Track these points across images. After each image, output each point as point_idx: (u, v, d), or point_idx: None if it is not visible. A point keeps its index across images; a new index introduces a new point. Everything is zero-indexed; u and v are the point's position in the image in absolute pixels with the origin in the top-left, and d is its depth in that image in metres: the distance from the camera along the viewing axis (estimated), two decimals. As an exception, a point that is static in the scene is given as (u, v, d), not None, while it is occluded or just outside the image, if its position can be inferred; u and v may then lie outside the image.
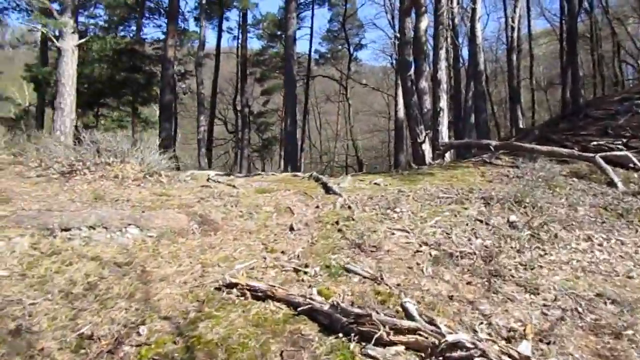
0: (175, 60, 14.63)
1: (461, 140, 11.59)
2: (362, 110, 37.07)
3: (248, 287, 3.96)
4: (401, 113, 22.72)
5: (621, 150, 10.97)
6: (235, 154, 29.21)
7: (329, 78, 32.67)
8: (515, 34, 25.85)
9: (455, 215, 6.28)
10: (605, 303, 4.17)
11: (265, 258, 4.70)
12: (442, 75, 11.57)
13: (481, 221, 6.08)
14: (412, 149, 11.33)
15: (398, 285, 4.16)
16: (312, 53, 32.15)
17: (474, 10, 16.10)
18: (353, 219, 5.77)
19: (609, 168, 8.76)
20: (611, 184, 8.49)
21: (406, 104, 11.24)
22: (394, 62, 34.97)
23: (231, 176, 8.12)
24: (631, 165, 9.53)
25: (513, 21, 25.40)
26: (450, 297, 4.01)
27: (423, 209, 6.49)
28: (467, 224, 5.95)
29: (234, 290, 3.98)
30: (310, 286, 4.11)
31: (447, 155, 11.48)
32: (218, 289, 4.06)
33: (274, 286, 3.96)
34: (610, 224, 6.54)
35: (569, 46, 17.83)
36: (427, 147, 10.92)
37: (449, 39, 13.85)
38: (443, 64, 11.68)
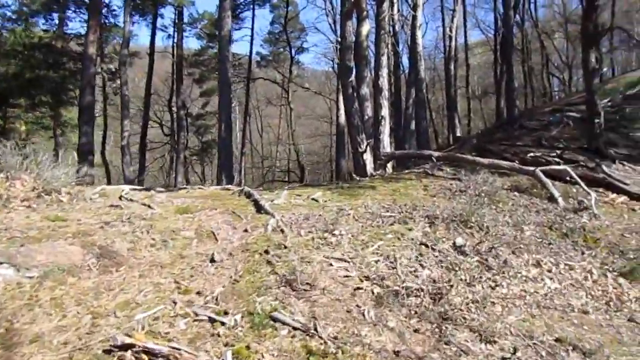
0: (97, 57, 13.24)
1: (403, 151, 11.11)
2: (304, 115, 36.46)
3: (145, 350, 3.08)
4: (342, 118, 22.22)
5: (557, 162, 10.91)
6: (171, 158, 27.65)
7: (270, 81, 31.72)
8: (453, 44, 26.14)
9: (399, 239, 5.65)
10: (567, 351, 3.63)
11: (175, 302, 3.80)
12: (384, 82, 11.05)
13: (427, 245, 5.48)
14: (354, 159, 10.72)
15: (335, 338, 3.41)
16: (254, 55, 31.14)
17: (414, 17, 15.82)
18: (285, 247, 4.98)
19: (549, 182, 8.54)
20: (552, 199, 8.25)
21: (347, 112, 10.63)
22: (336, 66, 34.62)
23: (150, 192, 7.08)
24: (568, 178, 9.41)
25: (451, 31, 25.65)
26: (396, 353, 3.31)
27: (364, 230, 5.82)
28: (412, 249, 5.33)
29: (128, 354, 3.08)
30: (226, 344, 3.27)
31: (389, 164, 10.96)
32: (107, 351, 3.13)
33: (179, 349, 3.10)
34: (557, 245, 6.17)
35: (503, 57, 17.99)
36: (368, 157, 10.34)
37: (389, 46, 13.39)
38: (385, 71, 11.17)
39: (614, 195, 9.05)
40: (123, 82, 11.94)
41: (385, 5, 11.42)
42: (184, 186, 7.89)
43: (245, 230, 5.53)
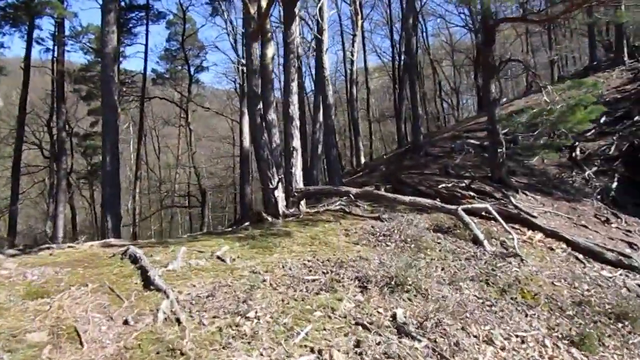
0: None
1: (318, 187, 10.03)
2: (206, 135, 34.35)
3: None
4: (247, 142, 20.82)
5: (472, 196, 10.55)
6: (51, 184, 24.14)
7: (167, 100, 29.34)
8: (355, 67, 26.03)
9: (330, 317, 4.46)
10: None
11: None
12: (295, 110, 9.94)
13: (365, 327, 4.33)
14: (264, 196, 9.42)
15: None
16: (149, 72, 28.61)
17: (321, 41, 15.03)
18: (182, 352, 3.53)
19: (472, 223, 7.93)
20: (476, 241, 7.65)
21: (256, 143, 9.31)
22: (238, 87, 33.14)
23: (-3, 257, 5.19)
24: (484, 213, 8.98)
25: (352, 55, 25.49)
26: None
27: (286, 307, 4.53)
28: (347, 335, 4.15)
29: None
30: None
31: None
32: None
33: None
34: (499, 307, 5.37)
35: (406, 83, 17.91)
36: (280, 194, 9.09)
37: (297, 71, 12.39)
38: (295, 98, 10.06)
39: (530, 232, 8.71)
40: None
41: (294, 27, 10.36)
42: (48, 245, 5.99)
43: (126, 322, 3.96)
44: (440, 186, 11.41)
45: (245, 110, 21.01)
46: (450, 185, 11.64)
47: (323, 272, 5.55)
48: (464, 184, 11.68)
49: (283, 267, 5.61)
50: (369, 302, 4.89)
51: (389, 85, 40.67)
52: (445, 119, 34.15)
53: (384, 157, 21.80)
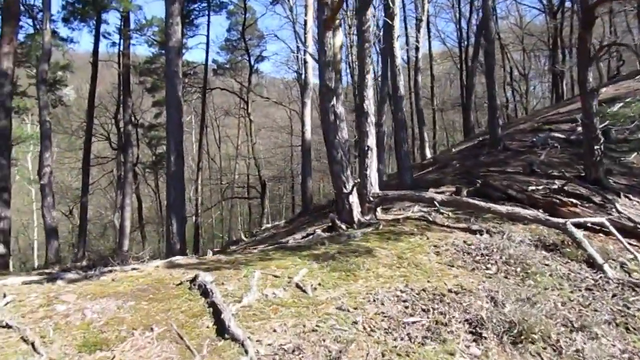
0: (13, 71, 10.37)
1: (397, 192, 8.96)
2: (265, 126, 33.89)
3: None
4: (308, 134, 20.01)
5: (572, 202, 9.11)
6: (119, 177, 24.56)
7: (228, 91, 29.08)
8: (420, 54, 24.53)
9: (445, 383, 3.48)
10: None
11: None
12: (370, 105, 8.91)
13: (494, 402, 3.33)
14: (336, 201, 8.51)
15: None
16: (210, 63, 28.42)
17: (391, 27, 13.79)
18: None
19: (585, 241, 6.62)
20: (592, 263, 6.37)
21: (329, 144, 8.39)
22: (298, 76, 32.44)
23: (55, 284, 4.61)
24: (597, 227, 7.61)
25: (418, 41, 23.98)
26: None
27: (388, 365, 3.60)
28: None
29: None
30: None
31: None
32: None
33: None
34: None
35: (486, 68, 16.34)
36: (354, 200, 8.16)
37: (374, 62, 11.29)
38: (370, 92, 9.02)
39: (653, 250, 7.25)
40: (42, 106, 9.18)
41: (369, 14, 9.29)
42: (110, 268, 5.38)
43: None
44: (530, 188, 10.04)
45: (307, 101, 20.19)
46: (540, 187, 10.24)
47: (423, 310, 4.57)
48: (555, 186, 10.25)
49: (374, 300, 4.68)
50: (488, 359, 3.87)
51: (451, 72, 38.54)
52: (516, 107, 31.79)
53: (452, 150, 20.27)
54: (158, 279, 4.97)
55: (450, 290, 5.06)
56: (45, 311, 4.00)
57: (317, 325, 4.10)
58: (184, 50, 25.30)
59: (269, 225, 22.55)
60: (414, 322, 4.31)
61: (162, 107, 29.56)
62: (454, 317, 4.43)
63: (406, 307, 4.62)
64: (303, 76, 20.55)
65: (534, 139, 15.06)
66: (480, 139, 18.69)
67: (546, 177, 11.69)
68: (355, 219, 8.10)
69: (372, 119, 8.99)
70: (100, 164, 27.91)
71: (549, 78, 31.49)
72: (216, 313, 4.08)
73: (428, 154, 22.94)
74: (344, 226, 8.07)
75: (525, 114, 27.97)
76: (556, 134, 15.17)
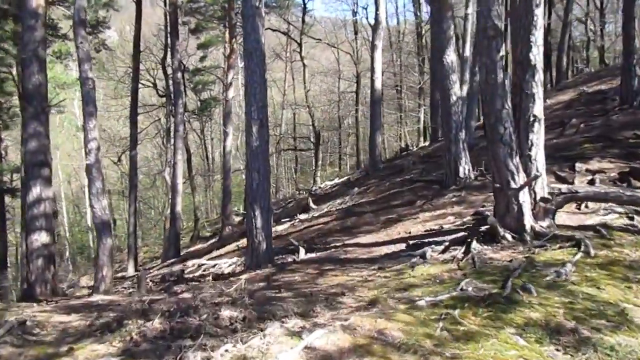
0: (46, 11, 7.78)
1: (600, 189, 6.12)
2: (319, 71, 30.57)
3: None
4: (379, 82, 16.99)
5: None
6: (167, 129, 22.37)
7: (280, 32, 25.80)
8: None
9: None
10: None
11: None
12: (538, 54, 5.95)
13: None
14: (496, 201, 5.81)
15: None
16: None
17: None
18: None
19: None
20: None
21: (493, 114, 5.58)
22: (354, 14, 28.80)
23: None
24: None
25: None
26: None
27: None
28: None
29: None
30: None
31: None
32: None
33: None
34: None
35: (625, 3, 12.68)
36: (526, 200, 5.46)
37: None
38: (539, 35, 6.04)
39: None
40: (83, 57, 6.63)
41: None
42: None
43: None
44: None
45: (378, 44, 16.94)
46: None
47: None
48: None
49: None
50: None
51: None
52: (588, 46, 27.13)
53: (546, 101, 16.81)
54: None
55: None
56: None
57: None
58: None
59: (330, 183, 20.12)
60: None
61: (207, 49, 26.74)
62: None
63: None
64: (374, 14, 17.16)
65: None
66: (586, 89, 15.25)
67: None
68: (527, 227, 5.44)
69: (540, 76, 6.05)
70: (148, 112, 25.69)
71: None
72: None
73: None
74: (509, 236, 5.46)
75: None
76: None
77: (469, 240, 5.56)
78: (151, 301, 5.09)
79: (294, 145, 28.29)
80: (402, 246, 6.58)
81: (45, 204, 7.64)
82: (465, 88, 13.40)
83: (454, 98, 9.32)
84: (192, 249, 20.71)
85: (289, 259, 7.45)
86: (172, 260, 16.35)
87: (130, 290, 6.51)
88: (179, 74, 18.23)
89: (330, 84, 34.20)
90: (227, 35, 20.86)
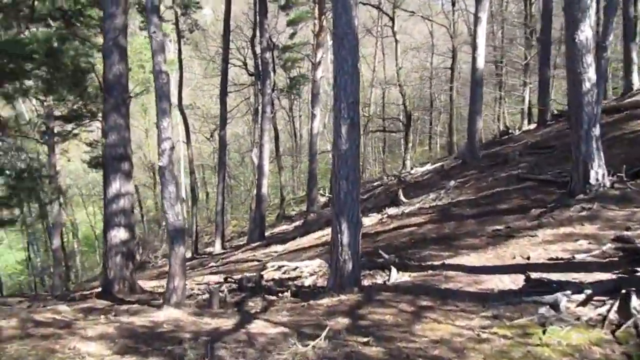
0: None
1: None
2: (410, 47, 28.47)
3: None
4: (481, 60, 14.99)
5: None
6: (255, 109, 22.07)
7: (371, 6, 24.15)
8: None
9: None
10: None
11: None
12: None
13: None
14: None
15: None
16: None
17: None
18: None
19: None
20: None
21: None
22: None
23: None
24: None
25: None
26: None
27: None
28: None
29: None
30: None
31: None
32: None
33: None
34: None
35: None
36: None
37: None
38: None
39: None
40: (156, 50, 5.77)
41: None
42: None
43: None
44: None
45: (482, 16, 14.82)
46: None
47: None
48: None
49: None
50: None
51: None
52: None
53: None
54: None
55: None
56: None
57: None
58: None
59: (421, 170, 18.58)
60: None
61: (296, 26, 25.89)
62: None
63: None
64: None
65: None
66: None
67: None
68: None
69: None
70: (238, 90, 25.67)
71: None
72: None
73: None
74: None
75: None
76: None
77: (625, 292, 4.06)
78: (216, 337, 4.34)
79: (382, 126, 26.77)
80: (520, 279, 5.21)
81: (124, 199, 7.30)
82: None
83: (588, 85, 7.46)
84: (277, 229, 20.51)
85: (378, 279, 6.39)
86: (257, 243, 16.12)
87: (202, 305, 5.89)
88: (267, 54, 17.57)
89: (423, 59, 31.87)
90: (316, 11, 19.79)
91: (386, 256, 7.05)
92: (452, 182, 12.64)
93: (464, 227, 8.27)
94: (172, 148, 5.77)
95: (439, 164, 18.43)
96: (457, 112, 27.62)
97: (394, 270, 6.29)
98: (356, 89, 5.81)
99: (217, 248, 18.92)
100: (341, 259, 5.75)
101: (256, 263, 11.64)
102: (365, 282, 6.24)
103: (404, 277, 6.13)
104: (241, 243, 19.46)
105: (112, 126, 7.20)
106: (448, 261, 6.51)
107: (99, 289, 7.90)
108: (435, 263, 6.56)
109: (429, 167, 18.67)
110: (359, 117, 5.85)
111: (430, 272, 6.22)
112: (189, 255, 20.94)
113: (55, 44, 8.48)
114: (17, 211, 17.14)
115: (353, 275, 5.80)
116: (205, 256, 18.71)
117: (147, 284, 9.28)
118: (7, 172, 12.31)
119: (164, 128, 5.67)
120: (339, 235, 5.76)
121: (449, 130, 24.85)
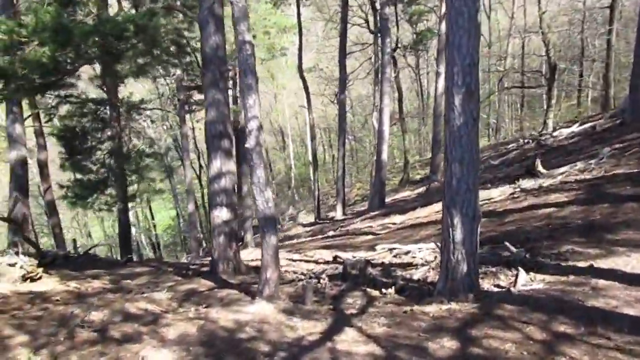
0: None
1: None
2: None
3: None
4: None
5: None
6: (376, 71, 20.82)
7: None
8: None
9: None
10: None
11: None
12: None
13: None
14: None
15: None
16: None
17: None
18: None
19: None
20: None
21: None
22: None
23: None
24: None
25: None
26: None
27: None
28: None
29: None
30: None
31: None
32: None
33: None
34: None
35: None
36: None
37: None
38: None
39: None
40: (238, 17, 5.01)
41: None
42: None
43: None
44: None
45: None
46: None
47: None
48: None
49: None
50: None
51: None
52: None
53: None
54: None
55: None
56: None
57: None
58: None
59: (566, 132, 15.77)
60: None
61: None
62: None
63: None
64: None
65: None
66: None
67: None
68: None
69: None
70: (360, 50, 24.58)
71: None
72: None
73: None
74: None
75: None
76: None
77: None
78: (294, 354, 3.78)
79: (520, 82, 23.40)
80: None
81: (225, 178, 7.10)
82: None
83: None
84: (399, 195, 19.57)
85: (502, 280, 5.20)
86: (376, 212, 15.46)
87: (296, 299, 5.41)
88: (387, 9, 16.10)
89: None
90: (442, -45, 17.54)
91: (513, 249, 5.77)
92: (607, 149, 10.28)
93: (621, 213, 6.43)
94: (260, 128, 5.21)
95: (590, 124, 15.40)
96: (616, 60, 22.82)
97: (522, 272, 5.04)
98: (474, 48, 4.52)
99: (339, 214, 18.74)
100: (453, 259, 4.73)
101: (370, 237, 11.00)
102: (485, 284, 5.13)
103: (536, 282, 4.87)
104: (362, 209, 19.01)
105: (211, 102, 6.95)
106: (597, 263, 5.03)
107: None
108: (579, 264, 5.13)
109: (576, 128, 15.74)
110: (478, 83, 4.56)
111: (571, 277, 4.85)
112: (312, 219, 21.25)
113: (145, 21, 8.48)
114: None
115: (467, 279, 4.75)
116: (327, 222, 18.69)
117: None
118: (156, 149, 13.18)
119: (250, 106, 5.12)
120: (451, 231, 4.72)
121: (605, 82, 20.69)
